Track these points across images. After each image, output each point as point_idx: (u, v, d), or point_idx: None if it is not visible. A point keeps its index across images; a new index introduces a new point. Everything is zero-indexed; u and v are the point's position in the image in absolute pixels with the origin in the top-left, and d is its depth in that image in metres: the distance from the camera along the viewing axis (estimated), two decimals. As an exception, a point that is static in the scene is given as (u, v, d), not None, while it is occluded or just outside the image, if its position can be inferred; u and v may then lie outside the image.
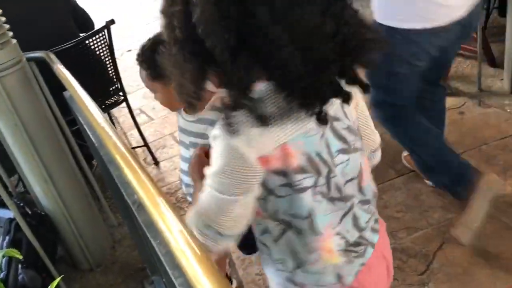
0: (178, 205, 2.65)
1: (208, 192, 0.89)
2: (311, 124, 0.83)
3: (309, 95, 0.77)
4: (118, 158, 1.02)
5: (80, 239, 2.26)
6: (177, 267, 0.74)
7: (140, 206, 0.91)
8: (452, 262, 1.93)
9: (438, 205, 2.21)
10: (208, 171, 0.88)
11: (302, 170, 0.86)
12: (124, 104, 3.03)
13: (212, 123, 1.48)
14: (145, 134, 3.36)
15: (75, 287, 2.29)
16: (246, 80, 0.76)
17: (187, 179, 1.65)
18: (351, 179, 0.96)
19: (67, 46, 2.55)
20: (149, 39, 1.44)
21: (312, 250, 0.95)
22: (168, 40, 0.80)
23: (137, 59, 1.44)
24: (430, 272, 1.90)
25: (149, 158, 3.17)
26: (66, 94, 1.75)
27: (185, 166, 1.64)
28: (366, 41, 0.80)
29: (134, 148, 3.33)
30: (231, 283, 2.02)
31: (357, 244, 1.00)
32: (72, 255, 2.33)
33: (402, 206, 2.26)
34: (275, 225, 0.95)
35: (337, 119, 0.90)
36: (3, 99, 1.89)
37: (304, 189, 0.88)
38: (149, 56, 1.39)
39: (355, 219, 0.99)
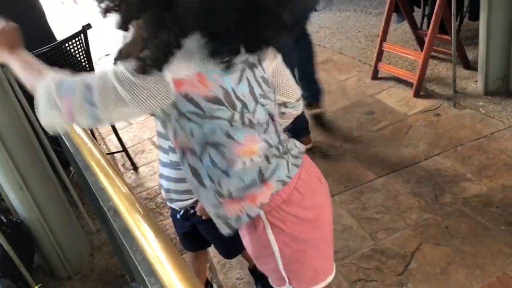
0: (158, 211, 2.63)
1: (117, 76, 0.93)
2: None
3: (222, 47, 0.88)
4: (94, 164, 1.01)
5: (57, 246, 2.22)
6: (153, 274, 0.73)
7: (116, 212, 0.90)
8: (430, 262, 1.95)
9: (415, 206, 2.24)
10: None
11: (215, 100, 0.94)
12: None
13: None
14: (124, 139, 3.34)
15: (54, 295, 2.25)
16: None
17: (166, 184, 1.64)
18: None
19: (44, 50, 2.51)
20: (127, 44, 1.42)
21: (233, 156, 1.01)
22: None
23: (115, 60, 1.42)
24: (408, 273, 1.92)
25: (128, 163, 3.14)
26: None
27: (164, 171, 1.63)
28: (282, 21, 0.89)
29: (112, 153, 3.29)
30: (212, 288, 2.01)
31: (277, 148, 1.07)
32: (49, 263, 2.28)
33: (381, 207, 2.29)
34: (196, 146, 1.01)
35: (255, 66, 1.00)
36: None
37: (217, 118, 0.96)
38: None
39: (277, 132, 1.09)
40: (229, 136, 0.99)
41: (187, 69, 0.89)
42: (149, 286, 0.76)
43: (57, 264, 2.27)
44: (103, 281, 2.27)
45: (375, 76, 3.42)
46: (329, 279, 1.23)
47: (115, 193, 0.89)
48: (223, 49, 0.88)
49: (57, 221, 2.22)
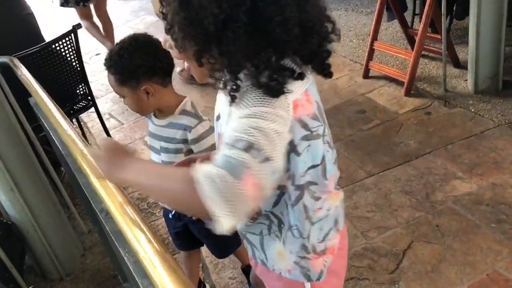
0: (150, 211, 2.62)
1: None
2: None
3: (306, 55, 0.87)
4: (85, 166, 1.00)
5: (49, 248, 2.20)
6: (146, 276, 0.73)
7: (108, 214, 0.90)
8: (421, 260, 1.97)
9: (406, 204, 2.26)
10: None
11: (315, 117, 0.91)
12: (93, 109, 2.99)
13: (182, 127, 1.47)
14: (115, 138, 3.32)
15: (45, 296, 2.24)
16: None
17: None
18: None
19: (33, 50, 2.50)
20: (117, 44, 1.42)
21: (319, 197, 0.99)
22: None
23: (105, 64, 1.42)
24: (400, 271, 1.94)
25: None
26: (31, 100, 1.71)
27: None
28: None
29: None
30: (205, 288, 2.01)
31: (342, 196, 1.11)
32: (41, 264, 2.27)
33: (373, 206, 2.30)
34: (293, 189, 0.96)
35: None
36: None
37: (319, 136, 0.92)
38: (117, 60, 1.38)
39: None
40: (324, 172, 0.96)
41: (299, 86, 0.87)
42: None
43: (49, 265, 2.26)
44: (95, 282, 2.26)
45: (366, 75, 3.43)
46: None
47: (107, 194, 0.89)
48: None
49: (48, 222, 2.21)
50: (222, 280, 2.08)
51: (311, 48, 0.86)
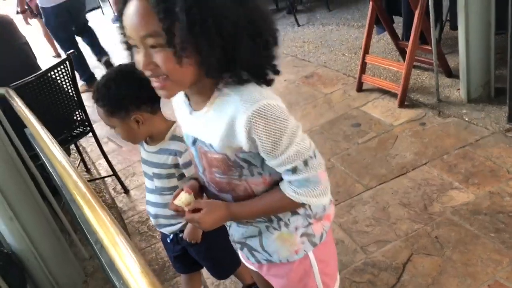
0: (150, 234, 2.63)
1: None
2: None
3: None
4: (79, 198, 1.02)
5: (50, 276, 2.21)
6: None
7: (102, 246, 0.91)
8: (422, 273, 1.97)
9: (405, 217, 2.27)
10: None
11: None
12: (91, 134, 3.01)
13: (173, 152, 1.49)
14: (114, 162, 3.34)
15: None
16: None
17: (154, 210, 1.65)
18: None
19: (30, 79, 2.52)
20: (103, 76, 1.44)
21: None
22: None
23: (93, 97, 1.44)
24: (401, 285, 1.93)
25: (119, 186, 3.14)
26: (27, 131, 1.73)
27: (150, 197, 1.64)
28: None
29: (103, 177, 3.29)
30: (206, 310, 2.01)
31: None
32: (42, 293, 2.27)
33: (371, 220, 2.30)
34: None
35: None
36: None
37: None
38: (104, 92, 1.39)
39: None
40: None
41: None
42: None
43: (51, 293, 2.26)
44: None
45: (359, 88, 3.46)
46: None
47: (100, 226, 0.90)
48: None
49: (49, 250, 2.21)
50: (223, 301, 2.08)
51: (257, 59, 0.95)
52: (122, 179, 3.16)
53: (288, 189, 1.04)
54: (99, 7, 8.73)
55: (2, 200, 2.01)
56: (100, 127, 3.91)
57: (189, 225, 1.61)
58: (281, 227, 1.15)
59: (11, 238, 2.12)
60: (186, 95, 1.08)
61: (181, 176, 1.53)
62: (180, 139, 1.50)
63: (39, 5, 4.66)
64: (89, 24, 5.07)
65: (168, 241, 1.73)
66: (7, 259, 2.12)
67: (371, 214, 2.33)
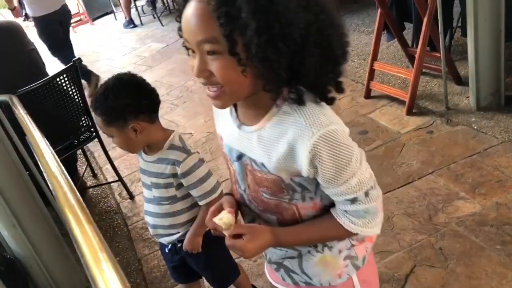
0: (153, 240, 2.63)
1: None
2: None
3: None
4: (67, 210, 1.02)
5: (51, 281, 2.21)
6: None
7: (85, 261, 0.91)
8: (424, 285, 1.93)
9: (409, 227, 2.23)
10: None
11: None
12: (97, 139, 3.03)
13: (171, 162, 1.49)
14: (121, 167, 3.36)
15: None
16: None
17: (152, 220, 1.64)
18: None
19: (36, 86, 2.55)
20: (101, 85, 1.45)
21: None
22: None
23: (91, 107, 1.45)
24: (402, 297, 1.90)
25: (125, 192, 3.15)
26: (27, 138, 1.74)
27: (149, 207, 1.64)
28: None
29: (109, 183, 3.31)
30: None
31: None
32: (45, 299, 2.28)
33: (375, 229, 2.27)
34: None
35: None
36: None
37: None
38: (102, 101, 1.40)
39: None
40: None
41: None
42: None
43: (53, 300, 2.27)
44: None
45: (367, 95, 3.43)
46: None
47: (84, 241, 0.90)
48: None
49: (51, 255, 2.22)
50: (223, 311, 2.06)
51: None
52: (128, 184, 3.17)
53: (344, 219, 0.97)
54: (112, 11, 8.82)
55: (5, 207, 2.02)
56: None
57: (188, 235, 1.61)
58: (324, 250, 1.08)
59: (14, 244, 2.13)
60: (234, 105, 1.01)
61: (179, 186, 1.52)
62: (179, 148, 1.50)
63: (31, 15, 4.57)
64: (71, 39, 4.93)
65: (166, 251, 1.73)
66: (10, 266, 2.13)
67: (374, 224, 2.30)
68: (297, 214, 1.03)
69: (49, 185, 1.28)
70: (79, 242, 0.91)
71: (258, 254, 1.02)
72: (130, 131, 1.43)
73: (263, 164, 0.95)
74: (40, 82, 2.55)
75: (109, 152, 3.09)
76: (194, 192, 1.51)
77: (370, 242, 1.14)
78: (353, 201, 0.94)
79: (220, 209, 1.05)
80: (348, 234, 1.00)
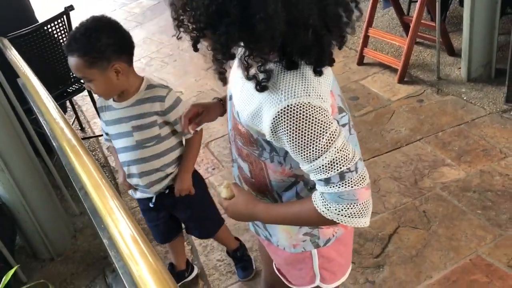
0: (141, 193, 2.64)
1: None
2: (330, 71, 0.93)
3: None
4: (65, 145, 1.02)
5: (39, 228, 2.22)
6: (117, 250, 0.75)
7: (86, 193, 0.91)
8: (407, 245, 1.99)
9: (395, 190, 2.28)
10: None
11: (340, 109, 0.94)
12: (86, 92, 2.99)
13: (157, 99, 1.50)
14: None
15: (35, 276, 2.25)
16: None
17: (137, 168, 1.58)
18: None
19: (25, 31, 2.49)
20: (78, 27, 1.39)
21: None
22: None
23: (68, 49, 1.37)
24: (385, 255, 1.96)
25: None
26: (19, 81, 1.71)
27: (130, 155, 1.59)
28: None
29: (96, 136, 3.29)
30: (193, 270, 2.04)
31: None
32: (32, 244, 2.30)
33: (361, 191, 2.31)
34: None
35: None
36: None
37: (344, 125, 0.96)
38: (85, 42, 1.35)
39: None
40: None
41: (327, 91, 0.88)
42: (114, 260, 0.78)
43: (40, 245, 2.28)
44: (86, 263, 2.28)
45: (360, 62, 3.43)
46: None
47: (84, 172, 0.90)
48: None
49: (39, 203, 2.22)
50: (210, 262, 2.11)
51: (302, 44, 0.82)
52: (117, 139, 3.15)
53: (319, 202, 0.91)
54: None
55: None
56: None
57: (179, 173, 1.62)
58: None
59: (1, 189, 2.13)
60: None
61: (162, 125, 1.53)
62: (158, 85, 1.54)
63: None
64: None
65: (151, 205, 1.70)
66: (-2, 210, 2.14)
67: (361, 186, 2.34)
68: (265, 172, 1.02)
69: (47, 129, 1.27)
70: (80, 174, 0.91)
71: (236, 219, 1.08)
72: (112, 72, 1.40)
73: (238, 114, 0.96)
74: (30, 28, 2.49)
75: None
76: (179, 127, 1.53)
77: (344, 228, 1.12)
78: (326, 182, 0.88)
79: (193, 113, 1.16)
80: (325, 221, 0.92)
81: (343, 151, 0.86)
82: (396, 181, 2.33)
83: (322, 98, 0.84)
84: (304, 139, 0.83)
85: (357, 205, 0.88)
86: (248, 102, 0.91)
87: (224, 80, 0.90)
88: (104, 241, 0.85)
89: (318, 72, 0.85)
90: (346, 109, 0.97)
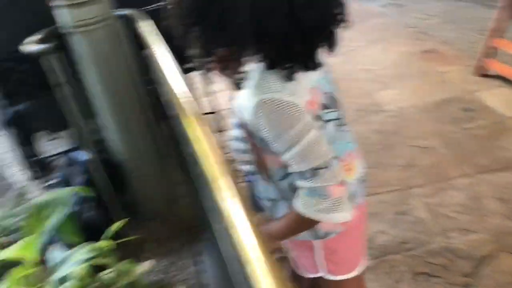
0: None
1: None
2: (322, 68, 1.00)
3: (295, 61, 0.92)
4: (181, 111, 1.11)
5: (145, 189, 2.43)
6: (222, 220, 0.81)
7: (195, 158, 1.00)
8: (503, 270, 1.87)
9: (499, 212, 2.14)
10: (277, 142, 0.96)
11: (325, 106, 1.02)
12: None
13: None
14: (218, 102, 3.49)
15: (134, 233, 2.47)
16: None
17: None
18: None
19: (155, 7, 2.67)
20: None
21: None
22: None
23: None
24: (476, 276, 1.86)
25: (218, 125, 3.29)
26: (145, 52, 1.87)
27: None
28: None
29: (204, 114, 3.46)
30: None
31: (361, 174, 1.18)
32: (135, 203, 2.51)
33: (460, 206, 2.21)
34: None
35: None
36: (91, 51, 2.06)
37: (329, 121, 1.03)
38: None
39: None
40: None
41: (305, 89, 0.97)
42: (214, 224, 0.85)
43: (142, 205, 2.49)
44: (179, 229, 2.45)
45: (480, 72, 3.22)
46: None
47: (195, 138, 0.98)
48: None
49: (149, 166, 2.42)
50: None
51: (275, 52, 0.90)
52: (222, 118, 3.30)
53: (297, 203, 1.00)
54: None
55: (119, 113, 2.22)
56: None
57: None
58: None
59: (122, 148, 2.34)
60: None
61: None
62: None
63: None
64: None
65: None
66: (112, 166, 2.36)
67: (461, 201, 2.23)
68: (264, 159, 1.08)
69: (168, 98, 1.38)
70: (191, 140, 1.00)
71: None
72: None
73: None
74: (161, 5, 2.68)
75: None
76: None
77: (343, 225, 1.14)
78: (301, 175, 0.96)
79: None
80: (309, 222, 1.01)
81: (315, 145, 0.94)
82: (502, 203, 2.18)
83: (294, 95, 0.92)
84: (276, 130, 0.93)
85: (327, 200, 0.96)
86: (242, 93, 1.01)
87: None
88: (205, 205, 0.92)
89: (290, 77, 0.92)
90: (337, 106, 1.06)
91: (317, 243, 1.19)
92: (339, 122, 1.07)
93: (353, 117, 2.96)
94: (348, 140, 1.11)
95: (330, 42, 0.93)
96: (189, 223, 2.47)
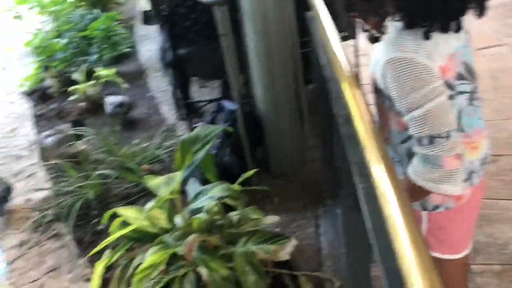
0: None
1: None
2: (464, 37, 1.01)
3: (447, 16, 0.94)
4: (338, 75, 1.14)
5: (280, 147, 2.54)
6: (366, 175, 0.84)
7: (347, 120, 1.03)
8: None
9: None
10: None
11: (461, 77, 1.00)
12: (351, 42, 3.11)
13: None
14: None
15: (263, 184, 2.60)
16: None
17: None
18: None
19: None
20: None
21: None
22: None
23: None
24: None
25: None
26: (308, 14, 1.91)
27: None
28: None
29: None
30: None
31: (485, 156, 1.13)
32: (269, 157, 2.63)
33: None
34: None
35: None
36: (258, 8, 2.16)
37: (462, 93, 1.01)
38: None
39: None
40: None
41: (442, 53, 0.97)
42: (359, 186, 0.88)
43: (275, 161, 2.60)
44: (304, 191, 2.52)
45: None
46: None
47: (351, 102, 1.01)
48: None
49: (288, 125, 2.51)
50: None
51: (428, 9, 0.92)
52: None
53: (410, 170, 1.01)
54: None
55: (269, 71, 2.32)
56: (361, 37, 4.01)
57: None
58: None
59: (263, 104, 2.46)
60: None
61: None
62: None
63: None
64: None
65: None
66: (254, 119, 2.50)
67: None
68: (388, 120, 1.10)
69: (325, 61, 1.42)
70: (347, 102, 1.03)
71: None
72: None
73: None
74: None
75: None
76: None
77: (453, 200, 1.11)
78: (419, 141, 0.96)
79: None
80: (420, 192, 1.00)
81: (439, 112, 0.93)
82: None
83: (430, 58, 0.92)
84: (403, 89, 0.93)
85: (440, 171, 0.95)
86: (378, 50, 1.04)
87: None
88: (346, 166, 0.96)
89: (426, 36, 0.92)
90: (474, 78, 1.02)
91: (425, 215, 1.18)
92: (473, 96, 1.04)
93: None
94: (479, 116, 1.08)
95: (478, 2, 0.93)
96: (315, 187, 2.53)
